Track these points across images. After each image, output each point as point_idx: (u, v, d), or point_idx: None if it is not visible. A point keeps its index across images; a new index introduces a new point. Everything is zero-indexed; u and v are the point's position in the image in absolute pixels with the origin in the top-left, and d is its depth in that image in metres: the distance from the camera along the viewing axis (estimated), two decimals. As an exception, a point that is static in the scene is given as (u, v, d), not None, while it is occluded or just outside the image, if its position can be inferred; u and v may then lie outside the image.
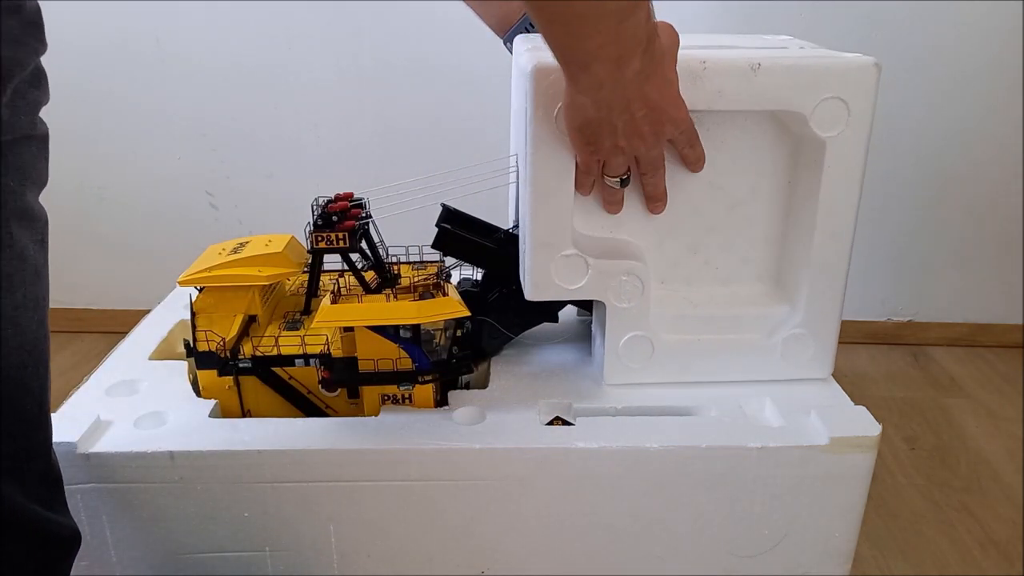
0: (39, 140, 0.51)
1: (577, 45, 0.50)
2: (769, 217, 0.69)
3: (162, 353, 0.79)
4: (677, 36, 0.58)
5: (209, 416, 0.67)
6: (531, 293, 0.68)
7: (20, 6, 0.48)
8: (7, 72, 0.46)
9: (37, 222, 0.51)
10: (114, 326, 1.44)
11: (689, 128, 0.61)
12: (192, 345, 0.68)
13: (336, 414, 0.70)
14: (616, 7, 0.47)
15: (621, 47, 0.50)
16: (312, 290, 0.74)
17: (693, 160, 0.64)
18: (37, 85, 0.50)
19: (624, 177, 0.62)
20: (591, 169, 0.62)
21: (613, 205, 0.66)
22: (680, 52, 0.60)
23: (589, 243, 0.66)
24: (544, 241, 0.65)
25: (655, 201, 0.66)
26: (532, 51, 0.62)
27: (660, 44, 0.53)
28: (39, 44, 0.50)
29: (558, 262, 0.66)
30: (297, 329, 0.71)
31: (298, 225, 0.69)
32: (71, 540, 0.54)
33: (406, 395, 0.67)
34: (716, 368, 0.71)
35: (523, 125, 0.62)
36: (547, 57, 0.59)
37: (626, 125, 0.56)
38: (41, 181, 0.51)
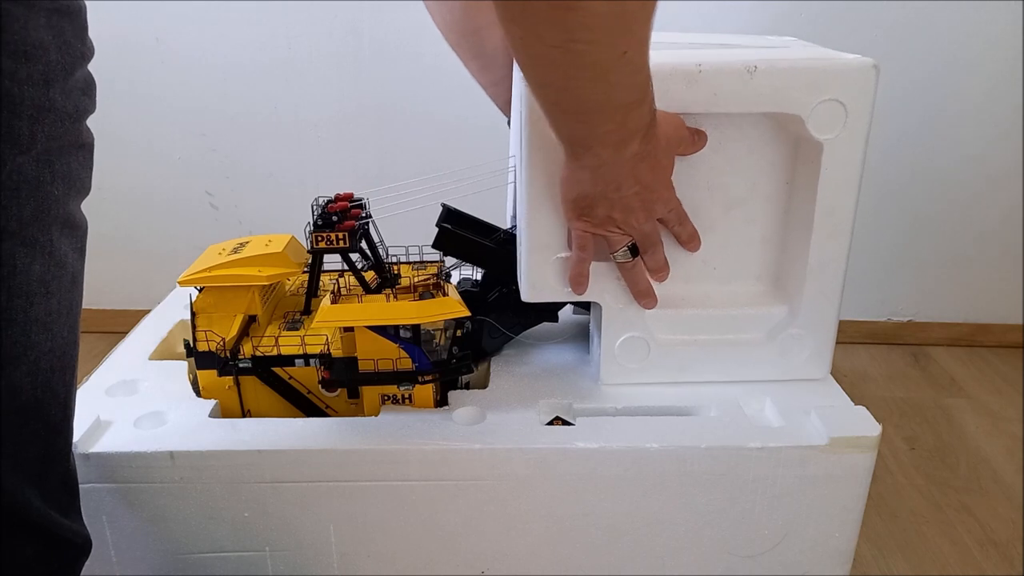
0: (86, 149, 0.51)
1: (586, 132, 0.52)
2: (767, 217, 0.69)
3: (162, 353, 0.79)
4: (683, 128, 0.61)
5: (209, 416, 0.67)
6: (528, 295, 0.68)
7: (71, 7, 0.48)
8: (54, 76, 0.46)
9: (78, 230, 0.51)
10: (114, 326, 1.44)
11: (677, 208, 0.64)
12: (192, 345, 0.68)
13: (336, 414, 0.70)
14: (627, 100, 0.50)
15: (625, 132, 0.52)
16: (312, 290, 0.74)
17: (686, 239, 0.67)
18: (87, 92, 0.50)
19: (631, 245, 0.63)
20: (586, 246, 0.63)
21: (645, 298, 0.67)
22: (675, 54, 0.60)
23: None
24: (541, 243, 0.65)
25: (657, 272, 0.67)
26: None
27: (658, 130, 0.56)
28: (86, 49, 0.50)
29: (554, 264, 0.66)
30: (297, 329, 0.71)
31: (298, 225, 0.69)
32: (82, 547, 0.54)
33: (406, 395, 0.67)
34: (713, 368, 0.71)
35: (520, 127, 0.62)
36: None
37: (620, 200, 0.58)
38: (85, 190, 0.51)
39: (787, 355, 0.70)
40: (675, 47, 0.66)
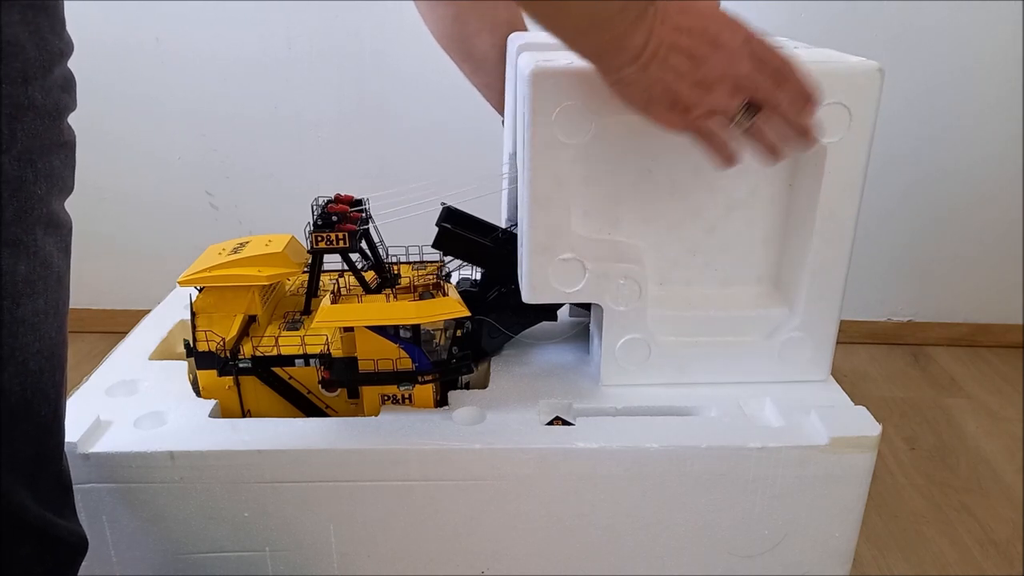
0: (68, 147, 0.50)
1: (606, 37, 0.49)
2: (769, 219, 0.69)
3: (162, 353, 0.79)
4: None
5: (209, 416, 0.67)
6: (529, 296, 0.68)
7: (46, 3, 0.47)
8: (32, 74, 0.46)
9: (62, 229, 0.51)
10: (114, 326, 1.45)
11: (749, 34, 0.52)
12: (192, 345, 0.68)
13: (336, 414, 0.70)
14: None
15: (637, 7, 0.48)
16: (312, 290, 0.74)
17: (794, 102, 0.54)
18: (67, 90, 0.50)
19: (744, 107, 0.53)
20: (710, 132, 0.54)
21: (773, 155, 0.57)
22: None
23: (587, 245, 0.66)
24: (542, 245, 0.65)
25: (771, 153, 0.57)
26: (530, 54, 0.61)
27: None
28: (64, 45, 0.49)
29: (556, 266, 0.66)
30: (297, 329, 0.71)
31: (298, 225, 0.69)
32: (79, 546, 0.54)
33: (406, 395, 0.67)
34: (713, 369, 0.71)
35: (522, 129, 0.62)
36: (545, 60, 0.59)
37: (686, 62, 0.50)
38: (68, 188, 0.51)
39: (787, 357, 0.70)
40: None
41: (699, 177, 0.66)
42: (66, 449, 0.59)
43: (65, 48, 0.49)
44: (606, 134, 0.62)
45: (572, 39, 0.50)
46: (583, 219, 0.67)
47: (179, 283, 0.68)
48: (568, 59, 0.59)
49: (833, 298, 0.68)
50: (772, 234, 0.69)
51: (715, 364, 0.70)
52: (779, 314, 0.70)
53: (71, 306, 0.53)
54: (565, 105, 0.59)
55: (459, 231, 0.72)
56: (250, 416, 0.70)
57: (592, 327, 0.75)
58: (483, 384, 0.72)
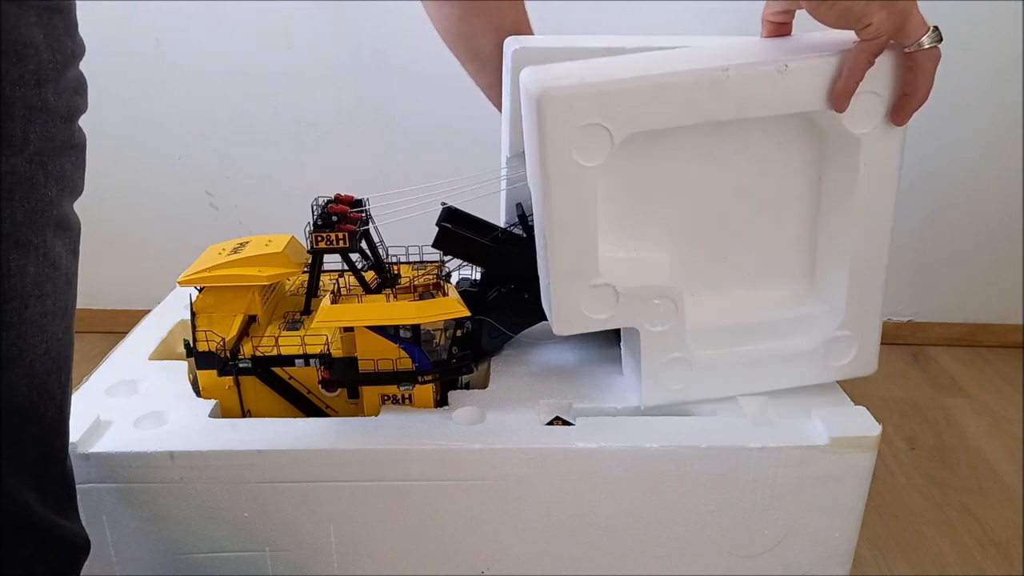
0: (78, 149, 0.50)
1: None
2: (798, 215, 0.66)
3: (162, 353, 0.79)
4: None
5: (209, 416, 0.67)
6: (560, 328, 0.64)
7: (62, 4, 0.47)
8: (46, 76, 0.46)
9: (71, 231, 0.51)
10: (114, 326, 1.45)
11: None
12: (192, 345, 0.68)
13: (336, 414, 0.70)
14: None
15: None
16: (312, 290, 0.74)
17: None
18: (79, 92, 0.50)
19: (934, 28, 0.59)
20: (871, 46, 0.57)
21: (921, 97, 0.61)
22: (697, 57, 0.57)
23: (616, 266, 0.63)
24: (570, 273, 0.61)
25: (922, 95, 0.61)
26: (532, 72, 0.57)
27: None
28: (77, 47, 0.49)
29: (587, 293, 0.62)
30: (297, 329, 0.71)
31: (298, 225, 0.69)
32: (82, 548, 0.54)
33: (406, 395, 0.67)
34: (758, 378, 0.68)
35: (533, 153, 0.59)
36: (553, 79, 0.55)
37: None
38: (77, 190, 0.51)
39: (833, 356, 0.68)
40: (689, 51, 0.65)
41: (723, 180, 0.63)
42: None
43: (78, 50, 0.49)
44: (626, 148, 0.58)
45: None
46: (606, 236, 0.63)
47: (179, 283, 0.68)
48: (580, 74, 0.55)
49: (875, 292, 0.66)
50: (802, 229, 0.67)
51: (759, 372, 0.68)
52: (818, 312, 0.68)
53: (72, 306, 0.53)
54: (581, 126, 0.55)
55: (459, 231, 0.71)
56: (250, 416, 0.70)
57: (623, 348, 0.71)
58: (483, 384, 0.72)
